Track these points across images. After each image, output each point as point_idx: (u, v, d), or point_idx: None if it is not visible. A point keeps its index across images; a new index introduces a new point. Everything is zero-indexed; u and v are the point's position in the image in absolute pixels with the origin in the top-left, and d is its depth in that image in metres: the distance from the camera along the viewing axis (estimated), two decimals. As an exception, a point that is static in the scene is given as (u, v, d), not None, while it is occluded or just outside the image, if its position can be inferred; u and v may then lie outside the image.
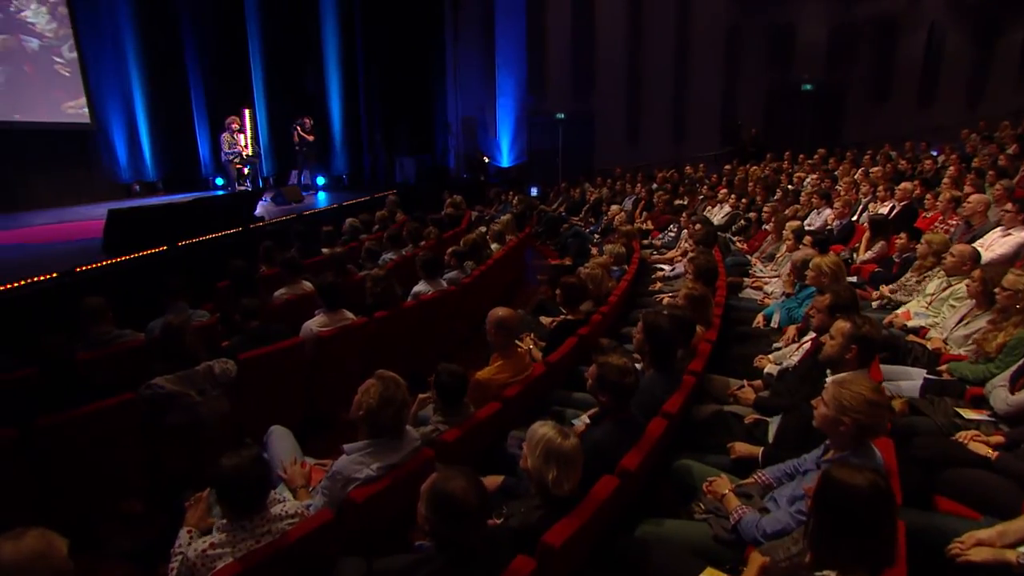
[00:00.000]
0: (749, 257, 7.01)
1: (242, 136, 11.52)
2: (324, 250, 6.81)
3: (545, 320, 4.87)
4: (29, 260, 6.54)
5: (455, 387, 2.77)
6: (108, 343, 3.76)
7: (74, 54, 11.85)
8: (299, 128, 12.03)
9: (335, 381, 4.16)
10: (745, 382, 3.33)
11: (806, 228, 6.59)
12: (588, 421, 3.00)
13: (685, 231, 7.69)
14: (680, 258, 7.17)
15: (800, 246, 5.25)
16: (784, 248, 6.02)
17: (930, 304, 4.03)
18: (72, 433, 2.92)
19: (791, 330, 3.96)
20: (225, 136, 10.90)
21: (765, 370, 3.51)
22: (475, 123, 16.50)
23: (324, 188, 13.71)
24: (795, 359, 3.44)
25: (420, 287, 4.99)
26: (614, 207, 9.90)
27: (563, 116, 16.91)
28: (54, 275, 5.25)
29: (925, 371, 3.23)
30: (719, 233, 7.36)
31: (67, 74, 11.77)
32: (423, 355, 5.04)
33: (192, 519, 2.21)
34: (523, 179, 16.32)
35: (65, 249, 6.93)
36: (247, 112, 13.45)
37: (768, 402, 3.00)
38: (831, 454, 2.05)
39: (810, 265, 3.98)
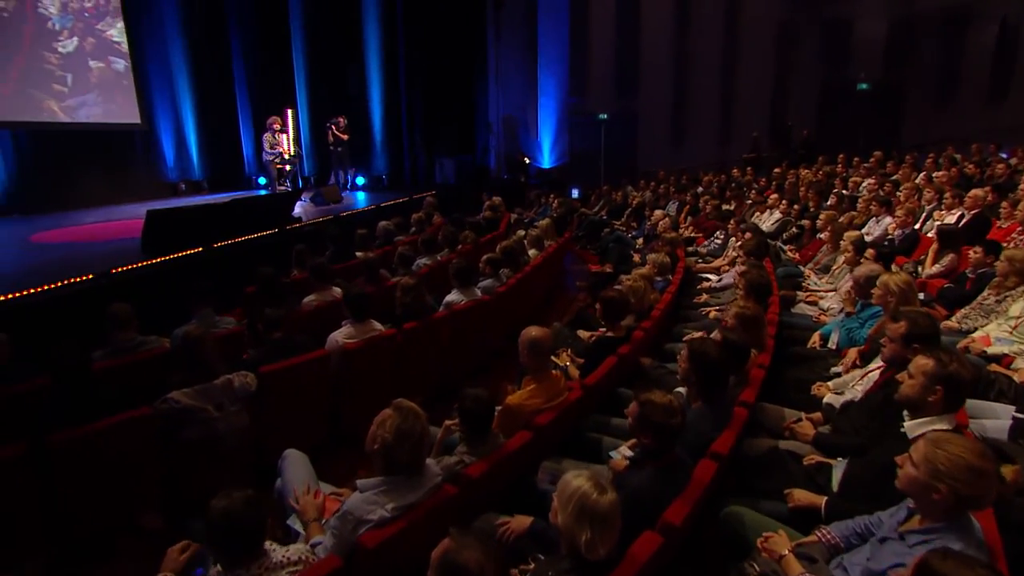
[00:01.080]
0: (802, 268, 6.58)
1: (284, 136, 11.59)
2: (358, 254, 6.70)
3: (583, 334, 4.61)
4: (71, 260, 6.63)
5: (481, 414, 2.54)
6: (132, 350, 3.67)
7: (127, 59, 12.15)
8: (333, 127, 12.03)
9: (361, 396, 3.99)
10: (803, 415, 3.01)
11: (865, 237, 6.15)
12: (628, 454, 2.74)
13: (733, 238, 7.30)
14: (727, 267, 6.81)
15: (862, 259, 4.84)
16: (842, 260, 5.60)
17: (1015, 328, 3.62)
18: (83, 449, 2.81)
19: (852, 354, 3.60)
20: (266, 136, 10.97)
21: (824, 400, 3.18)
22: (516, 123, 16.29)
23: (364, 188, 13.73)
24: (859, 389, 3.10)
25: (453, 296, 4.79)
26: (658, 212, 9.53)
27: (606, 117, 16.56)
28: (89, 277, 5.25)
29: (1013, 408, 2.85)
30: (769, 241, 6.96)
31: (121, 77, 12.07)
32: (455, 368, 4.86)
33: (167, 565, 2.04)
34: (564, 180, 16.03)
35: (107, 249, 7.01)
36: (289, 112, 13.58)
37: (831, 441, 2.68)
38: (917, 522, 1.74)
39: (876, 283, 3.61)
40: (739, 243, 7.00)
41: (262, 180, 13.04)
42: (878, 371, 3.05)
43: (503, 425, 2.78)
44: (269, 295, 4.35)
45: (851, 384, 3.24)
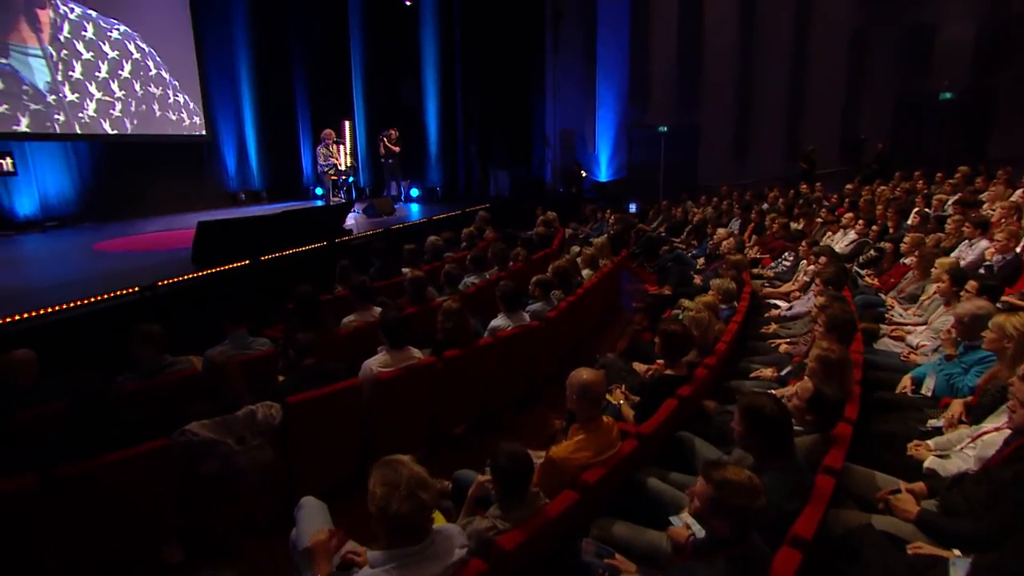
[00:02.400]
0: (883, 296, 5.96)
1: (339, 148, 11.66)
2: (404, 270, 6.50)
3: (639, 367, 4.22)
4: (125, 269, 6.71)
5: (518, 472, 2.21)
6: (161, 372, 3.52)
7: (195, 73, 12.57)
8: (385, 139, 12.04)
9: (396, 429, 3.73)
10: (902, 485, 2.54)
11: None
12: (691, 523, 2.35)
13: (804, 261, 6.74)
14: (798, 293, 6.26)
15: (962, 292, 4.26)
16: (933, 290, 5.00)
17: None
18: (96, 482, 2.64)
19: (956, 407, 3.09)
20: (320, 149, 11.05)
21: (926, 464, 2.69)
22: (573, 136, 15.99)
23: (418, 200, 13.70)
24: (970, 454, 2.61)
25: (499, 321, 4.48)
26: (721, 230, 9.00)
27: (665, 129, 16.03)
28: (135, 289, 5.22)
29: None
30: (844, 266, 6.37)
31: (188, 90, 12.46)
32: (500, 397, 4.55)
33: None
34: (621, 195, 15.59)
35: (161, 259, 7.06)
36: (347, 124, 13.73)
37: (942, 525, 2.21)
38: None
39: (988, 324, 3.09)
40: (811, 266, 6.45)
41: (319, 191, 13.20)
42: (996, 432, 2.56)
43: (545, 482, 2.44)
44: (304, 317, 4.15)
45: (958, 446, 2.74)
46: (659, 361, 3.91)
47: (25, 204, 9.97)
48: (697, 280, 7.40)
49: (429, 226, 9.98)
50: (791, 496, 2.21)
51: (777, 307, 6.04)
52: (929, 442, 2.90)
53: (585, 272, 6.50)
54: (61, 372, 3.61)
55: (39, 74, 9.85)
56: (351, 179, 12.03)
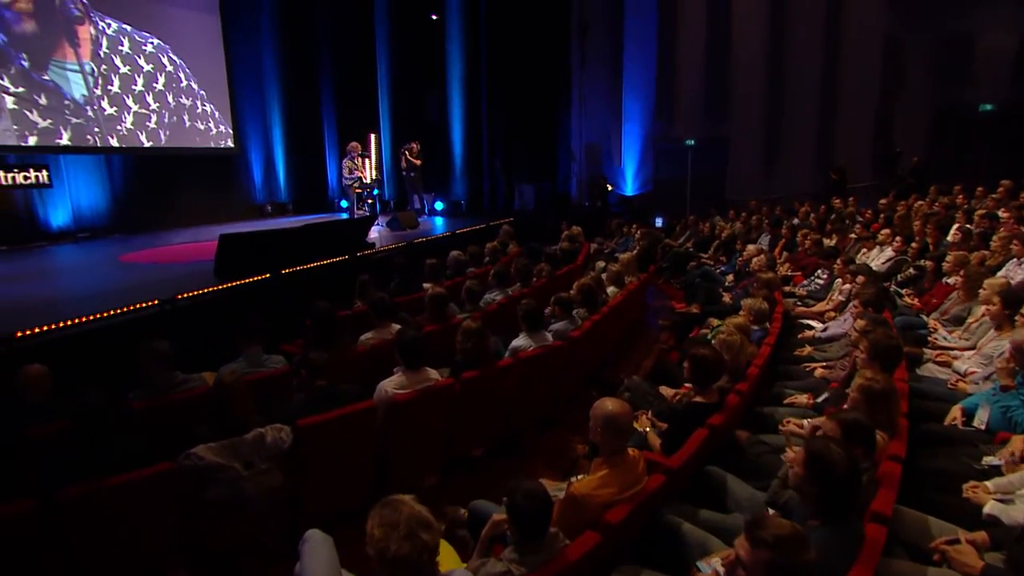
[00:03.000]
0: (924, 317, 5.66)
1: (364, 161, 11.69)
2: (426, 285, 6.39)
3: (666, 392, 4.02)
4: (148, 281, 6.72)
5: (535, 513, 2.04)
6: (172, 390, 3.44)
7: (225, 87, 12.78)
8: (406, 153, 12.05)
9: (412, 453, 3.59)
10: (961, 535, 2.30)
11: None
12: (720, 570, 2.16)
13: (839, 280, 6.46)
14: (833, 313, 5.99)
15: (1018, 316, 3.98)
16: (981, 312, 4.71)
17: None
18: (99, 507, 2.54)
19: (1018, 443, 2.84)
20: (345, 162, 11.08)
21: (986, 510, 2.46)
22: (599, 150, 15.85)
23: (442, 213, 13.66)
24: (1036, 499, 2.37)
25: (520, 341, 4.32)
26: (751, 247, 8.73)
27: (693, 143, 15.80)
28: (155, 302, 5.19)
29: None
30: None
31: (218, 104, 12.66)
32: (521, 419, 4.39)
33: None
34: (647, 209, 15.37)
35: (185, 271, 7.06)
36: (372, 137, 13.79)
37: (1009, 582, 1.99)
38: None
39: (1051, 355, 2.84)
40: (846, 285, 6.18)
41: (344, 203, 13.25)
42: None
43: (566, 520, 2.27)
44: (320, 334, 4.04)
45: (1022, 490, 2.50)
46: (687, 385, 3.72)
47: (59, 215, 10.16)
48: (726, 298, 7.16)
49: (453, 240, 9.90)
50: (846, 554, 1.99)
51: (810, 327, 5.77)
52: (987, 483, 2.66)
53: (610, 289, 6.32)
54: (76, 387, 3.55)
55: (78, 88, 10.08)
56: (376, 192, 12.04)
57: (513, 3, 13.62)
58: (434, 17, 13.96)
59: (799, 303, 6.76)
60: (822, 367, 4.56)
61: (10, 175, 9.20)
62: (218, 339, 4.47)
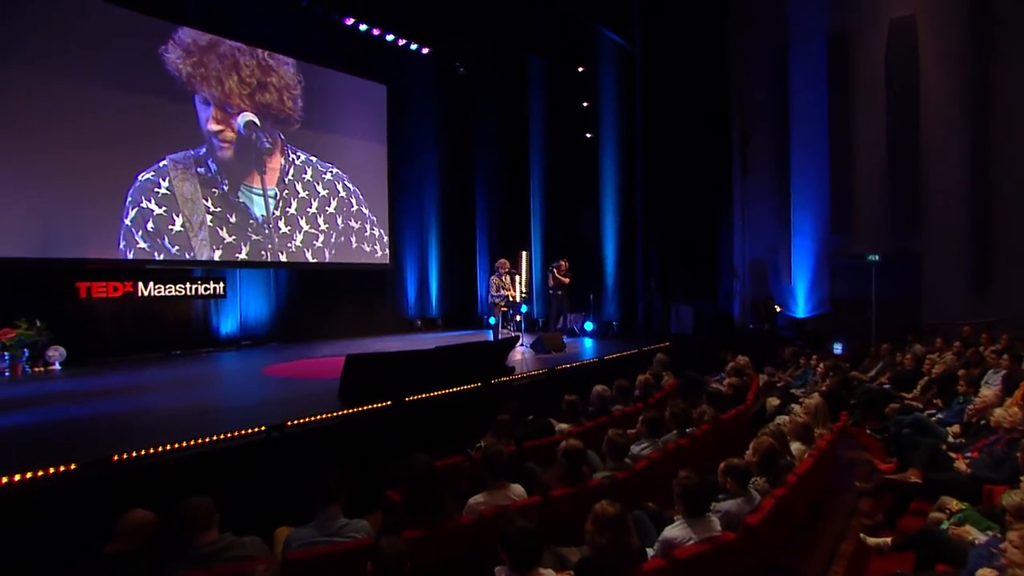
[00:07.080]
0: None
1: (516, 278, 11.43)
2: (562, 426, 5.49)
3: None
4: (280, 399, 6.56)
5: None
6: (215, 558, 2.80)
7: (386, 207, 13.58)
8: (555, 270, 11.66)
9: None
10: None
11: None
12: None
13: None
14: None
15: None
16: None
17: None
18: None
19: None
20: (493, 279, 10.87)
21: None
22: (765, 267, 14.43)
23: (592, 335, 12.84)
24: None
25: (677, 531, 3.20)
26: (985, 391, 6.80)
27: (877, 258, 13.81)
28: (262, 428, 4.80)
29: None
30: None
31: (378, 222, 13.44)
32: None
33: None
34: (823, 333, 13.42)
35: (319, 389, 6.77)
36: (524, 255, 13.65)
37: None
38: None
39: None
40: None
41: (492, 320, 13.01)
42: None
43: None
44: (412, 500, 3.25)
45: None
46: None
47: (228, 323, 10.91)
48: (959, 464, 5.37)
49: (600, 367, 9.00)
50: None
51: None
52: None
53: (795, 447, 4.95)
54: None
55: (259, 208, 11.15)
56: (524, 309, 11.62)
57: (670, 115, 13.22)
58: (588, 136, 13.96)
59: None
60: None
61: (194, 286, 10.23)
62: (295, 487, 3.85)
